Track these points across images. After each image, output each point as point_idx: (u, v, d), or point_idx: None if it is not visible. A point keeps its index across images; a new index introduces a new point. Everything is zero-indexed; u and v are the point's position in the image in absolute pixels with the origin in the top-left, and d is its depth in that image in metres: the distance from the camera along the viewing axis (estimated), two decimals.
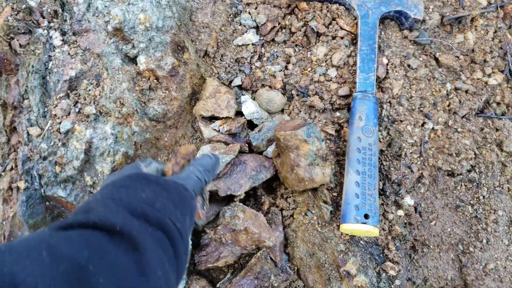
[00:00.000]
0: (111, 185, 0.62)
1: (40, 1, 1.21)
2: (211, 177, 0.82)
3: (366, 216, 1.07)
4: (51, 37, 1.20)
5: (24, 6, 1.18)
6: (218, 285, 1.20)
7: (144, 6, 1.19)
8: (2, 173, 1.20)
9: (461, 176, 1.28)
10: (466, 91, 1.32)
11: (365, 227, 1.05)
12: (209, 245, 1.19)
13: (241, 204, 1.17)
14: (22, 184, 1.13)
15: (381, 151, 1.24)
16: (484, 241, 1.28)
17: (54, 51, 1.20)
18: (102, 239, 0.45)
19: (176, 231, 0.57)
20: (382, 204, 1.19)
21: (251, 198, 1.26)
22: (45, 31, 1.20)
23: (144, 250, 0.47)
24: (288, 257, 1.20)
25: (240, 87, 1.33)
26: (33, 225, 1.14)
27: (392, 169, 1.22)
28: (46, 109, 1.18)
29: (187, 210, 0.64)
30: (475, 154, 1.28)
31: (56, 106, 1.17)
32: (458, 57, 1.36)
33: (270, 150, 1.22)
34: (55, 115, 1.17)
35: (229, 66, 1.35)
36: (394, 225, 1.18)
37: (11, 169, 1.19)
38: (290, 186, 1.14)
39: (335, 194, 1.17)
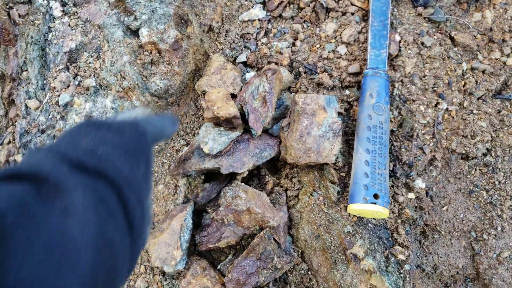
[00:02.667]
0: (60, 136, 0.54)
1: None
2: (170, 133, 0.73)
3: (375, 196, 1.01)
4: (51, 7, 1.17)
5: None
6: (219, 267, 1.15)
7: None
8: (0, 147, 1.17)
9: (475, 160, 1.22)
10: (483, 71, 1.26)
11: (374, 207, 1.00)
12: (211, 225, 1.15)
13: (242, 184, 1.13)
14: (19, 158, 1.10)
15: (392, 132, 1.18)
16: (499, 228, 1.22)
17: (54, 22, 1.16)
18: (24, 188, 0.39)
19: (122, 179, 0.48)
20: (392, 186, 1.14)
21: (255, 178, 1.21)
22: (45, 1, 1.17)
23: (69, 193, 0.40)
24: (292, 239, 1.16)
25: (245, 63, 1.28)
26: None
27: (403, 150, 1.16)
28: (45, 81, 1.14)
29: (142, 157, 0.56)
30: (491, 137, 1.22)
31: (55, 78, 1.13)
32: (475, 36, 1.30)
33: (276, 128, 1.17)
34: (54, 87, 1.13)
35: (234, 42, 1.30)
36: (404, 208, 1.13)
37: (9, 142, 1.16)
38: (292, 157, 1.08)
39: (343, 174, 1.12)
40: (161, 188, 1.23)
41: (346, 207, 1.09)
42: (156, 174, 1.23)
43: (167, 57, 1.19)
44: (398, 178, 1.14)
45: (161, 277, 1.16)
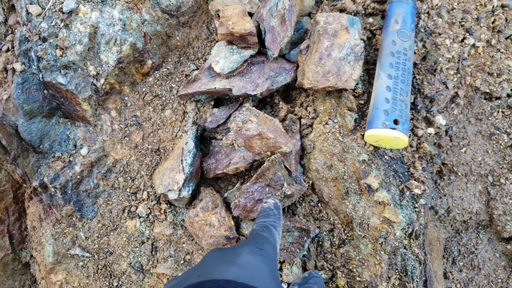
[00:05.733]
0: None
1: None
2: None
3: (395, 122, 0.96)
4: None
5: None
6: (225, 195, 1.11)
7: None
8: None
9: (499, 101, 1.16)
10: None
11: (393, 133, 0.94)
12: (219, 152, 1.10)
13: (254, 108, 1.07)
14: (18, 66, 1.03)
15: (415, 64, 1.12)
16: None
17: None
18: None
19: None
20: (412, 119, 1.08)
21: (267, 106, 1.15)
22: None
23: None
24: (303, 170, 1.11)
25: None
26: (29, 112, 1.05)
27: (425, 83, 1.10)
28: None
29: None
30: None
31: None
32: None
33: (293, 53, 1.11)
34: None
35: None
36: (423, 142, 1.07)
37: (7, 50, 1.08)
38: (310, 81, 1.01)
39: (361, 102, 1.06)
40: (169, 114, 1.17)
41: (362, 136, 1.04)
42: (163, 99, 1.17)
43: None
44: (418, 111, 1.09)
45: (167, 205, 1.11)
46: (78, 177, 1.10)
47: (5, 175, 1.11)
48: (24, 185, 1.12)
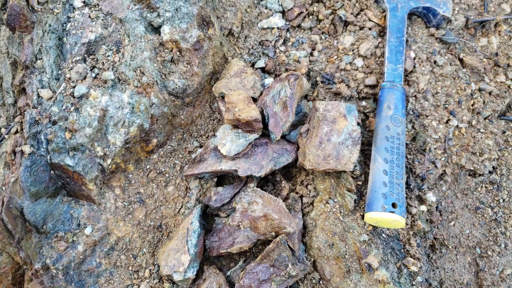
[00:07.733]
0: None
1: None
2: None
3: (394, 205, 1.02)
4: None
5: None
6: (228, 273, 1.12)
7: None
8: (6, 136, 1.11)
9: (482, 177, 1.26)
10: (490, 93, 1.31)
11: (392, 216, 1.00)
12: (222, 230, 1.12)
13: (259, 189, 1.11)
14: (27, 148, 1.05)
15: (406, 145, 1.20)
16: (503, 245, 1.25)
17: (73, 12, 1.14)
18: None
19: None
20: (406, 198, 1.15)
21: (269, 183, 1.20)
22: None
23: None
24: (305, 247, 1.14)
25: (263, 69, 1.28)
26: (35, 194, 1.05)
27: (416, 163, 1.18)
28: (60, 71, 1.11)
29: None
30: (497, 155, 1.26)
31: (71, 69, 1.10)
32: (481, 59, 1.36)
33: (294, 134, 1.17)
34: (70, 78, 1.09)
35: (252, 48, 1.31)
36: (416, 220, 1.14)
37: (16, 132, 1.10)
38: (311, 163, 1.07)
39: (359, 183, 1.13)
40: (171, 190, 1.19)
41: (362, 216, 1.09)
42: (167, 175, 1.20)
43: (187, 56, 1.17)
44: (411, 190, 1.16)
45: (170, 284, 1.11)
46: (81, 257, 1.09)
47: (6, 257, 1.09)
48: (25, 266, 1.10)
